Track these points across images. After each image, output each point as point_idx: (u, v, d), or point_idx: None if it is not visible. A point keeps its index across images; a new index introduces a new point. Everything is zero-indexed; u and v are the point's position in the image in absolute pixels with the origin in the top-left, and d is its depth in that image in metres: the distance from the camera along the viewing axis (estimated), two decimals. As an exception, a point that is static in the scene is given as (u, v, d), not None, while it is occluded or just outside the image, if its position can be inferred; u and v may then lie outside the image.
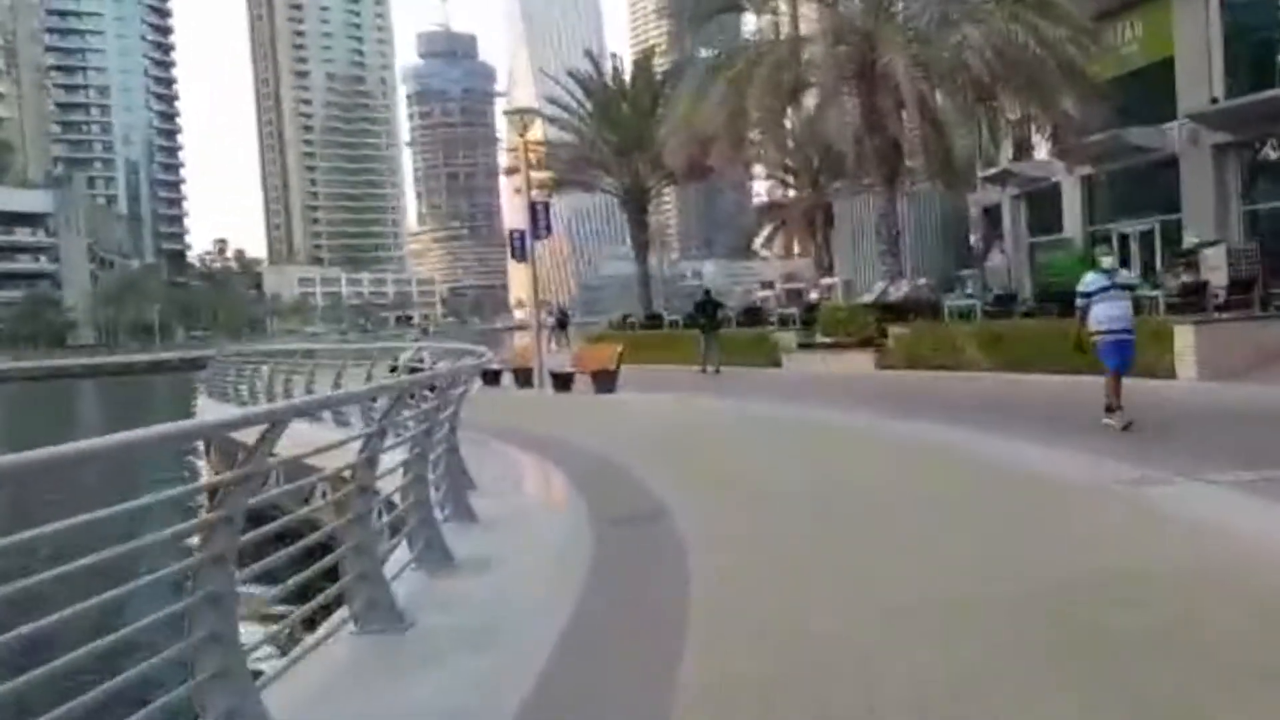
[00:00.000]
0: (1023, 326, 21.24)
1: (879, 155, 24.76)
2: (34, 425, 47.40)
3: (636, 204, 35.53)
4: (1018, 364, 19.44)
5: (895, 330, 22.89)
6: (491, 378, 25.06)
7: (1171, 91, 25.92)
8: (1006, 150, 34.16)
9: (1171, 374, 17.10)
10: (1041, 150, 33.70)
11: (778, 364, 25.49)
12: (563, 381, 22.03)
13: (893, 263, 25.37)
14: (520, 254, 23.30)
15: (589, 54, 37.67)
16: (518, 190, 25.42)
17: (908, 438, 12.08)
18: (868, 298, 25.43)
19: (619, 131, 34.97)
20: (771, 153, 28.68)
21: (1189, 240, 24.77)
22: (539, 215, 22.97)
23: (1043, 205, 33.53)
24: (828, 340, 24.56)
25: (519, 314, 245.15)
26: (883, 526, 7.46)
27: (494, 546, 7.61)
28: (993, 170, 35.08)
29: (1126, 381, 12.31)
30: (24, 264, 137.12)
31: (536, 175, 38.22)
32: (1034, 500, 8.20)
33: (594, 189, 38.73)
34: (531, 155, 39.42)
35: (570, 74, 37.34)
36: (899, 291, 24.54)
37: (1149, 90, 27.43)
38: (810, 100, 28.30)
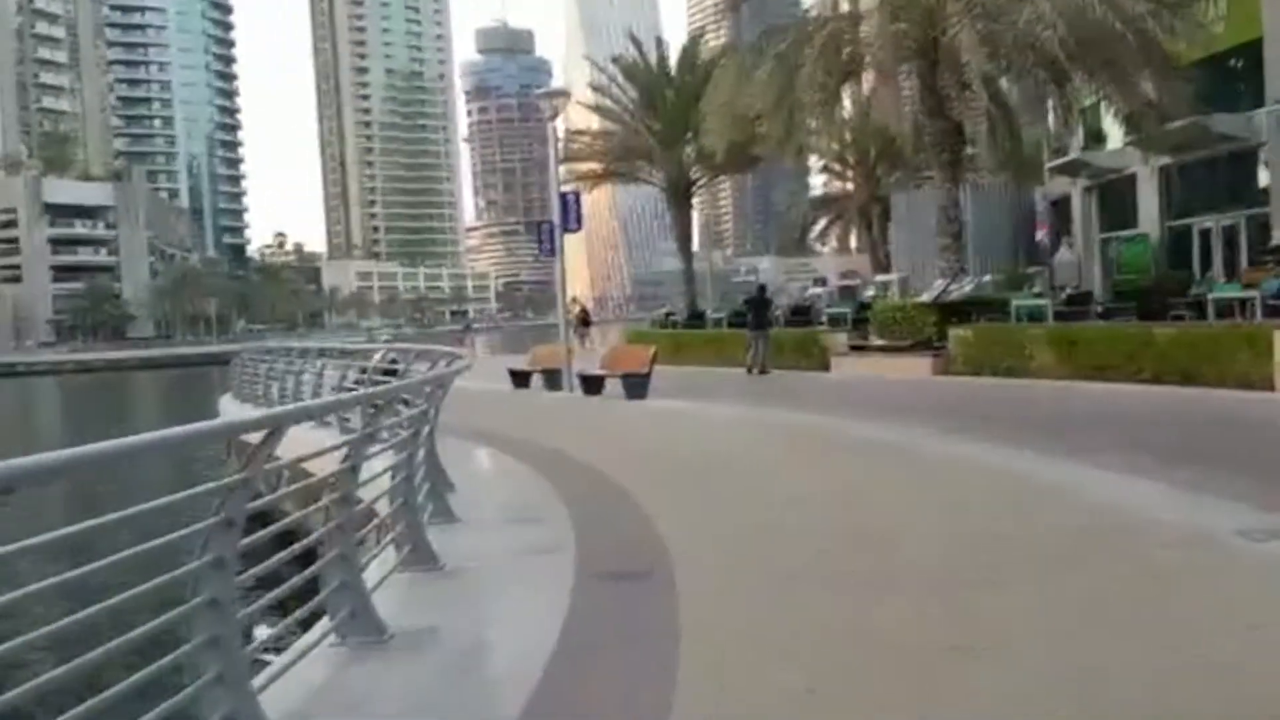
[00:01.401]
0: (1098, 329, 19.22)
1: (940, 141, 22.75)
2: (54, 421, 47.08)
3: (681, 196, 33.78)
4: (1093, 370, 17.48)
5: (956, 332, 20.95)
6: (521, 379, 23.62)
7: (1259, 76, 23.88)
8: (1077, 139, 32.02)
9: (1270, 385, 15.05)
10: (1115, 139, 31.59)
11: (826, 367, 23.64)
12: (592, 384, 20.39)
13: (954, 258, 23.35)
14: (549, 248, 21.70)
15: (633, 38, 35.95)
16: (564, 183, 23.84)
17: (975, 464, 10.15)
18: (926, 296, 23.44)
19: (663, 120, 33.24)
20: (823, 138, 26.69)
21: (1278, 236, 22.74)
22: (569, 207, 21.36)
23: (1116, 198, 31.39)
24: (882, 342, 22.66)
25: (576, 309, 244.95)
26: (961, 621, 5.35)
27: (442, 616, 6.03)
28: (1062, 160, 32.93)
29: (1222, 395, 10.44)
30: (85, 256, 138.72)
31: (579, 166, 36.87)
32: (1156, 565, 6.28)
33: (637, 180, 37.06)
34: (571, 143, 38.13)
35: (614, 60, 35.71)
36: (961, 289, 22.53)
37: (1234, 74, 25.34)
38: (866, 82, 26.38)
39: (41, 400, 64.70)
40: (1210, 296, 19.43)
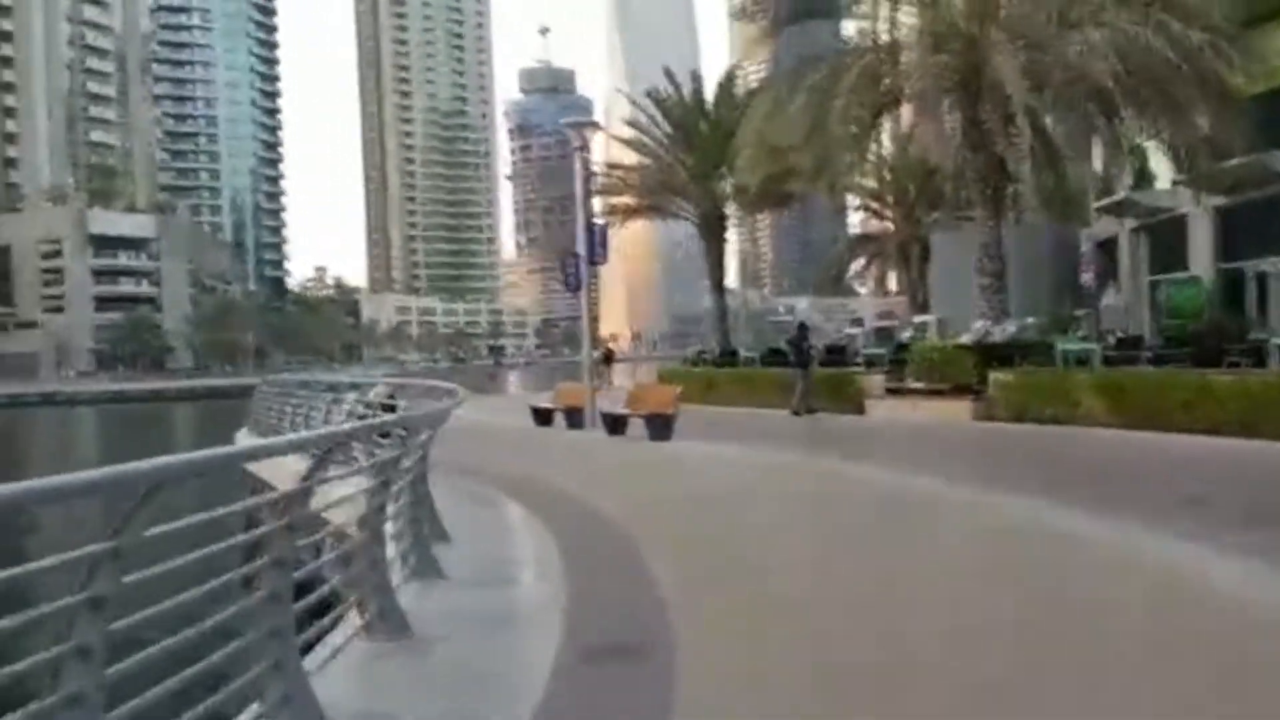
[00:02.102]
0: (1150, 376, 18.12)
1: (982, 177, 21.81)
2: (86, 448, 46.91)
3: (714, 231, 32.98)
4: (1145, 420, 16.38)
5: (998, 376, 19.90)
6: (544, 417, 22.85)
7: (1324, 110, 22.74)
8: (1125, 177, 30.95)
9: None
10: (1163, 177, 30.52)
11: (861, 410, 22.62)
12: (616, 424, 19.53)
13: (996, 299, 22.30)
14: (574, 282, 20.94)
15: (667, 72, 35.37)
16: (593, 218, 23.11)
17: (1026, 526, 9.14)
18: (967, 338, 22.40)
19: (697, 154, 32.52)
20: (857, 172, 25.78)
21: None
22: (595, 239, 20.62)
23: (1166, 239, 30.22)
24: (920, 385, 21.64)
25: (612, 346, 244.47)
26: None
27: (391, 704, 5.18)
28: (1109, 200, 31.85)
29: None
30: (127, 287, 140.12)
31: (612, 200, 36.24)
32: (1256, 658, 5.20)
33: (671, 215, 36.32)
34: (606, 177, 37.54)
35: (648, 94, 35.12)
36: (1003, 332, 21.47)
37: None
38: (905, 116, 25.52)
39: (75, 429, 64.73)
40: (1275, 343, 18.24)
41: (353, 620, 5.83)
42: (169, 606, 3.53)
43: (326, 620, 5.49)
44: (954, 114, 21.86)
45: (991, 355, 20.70)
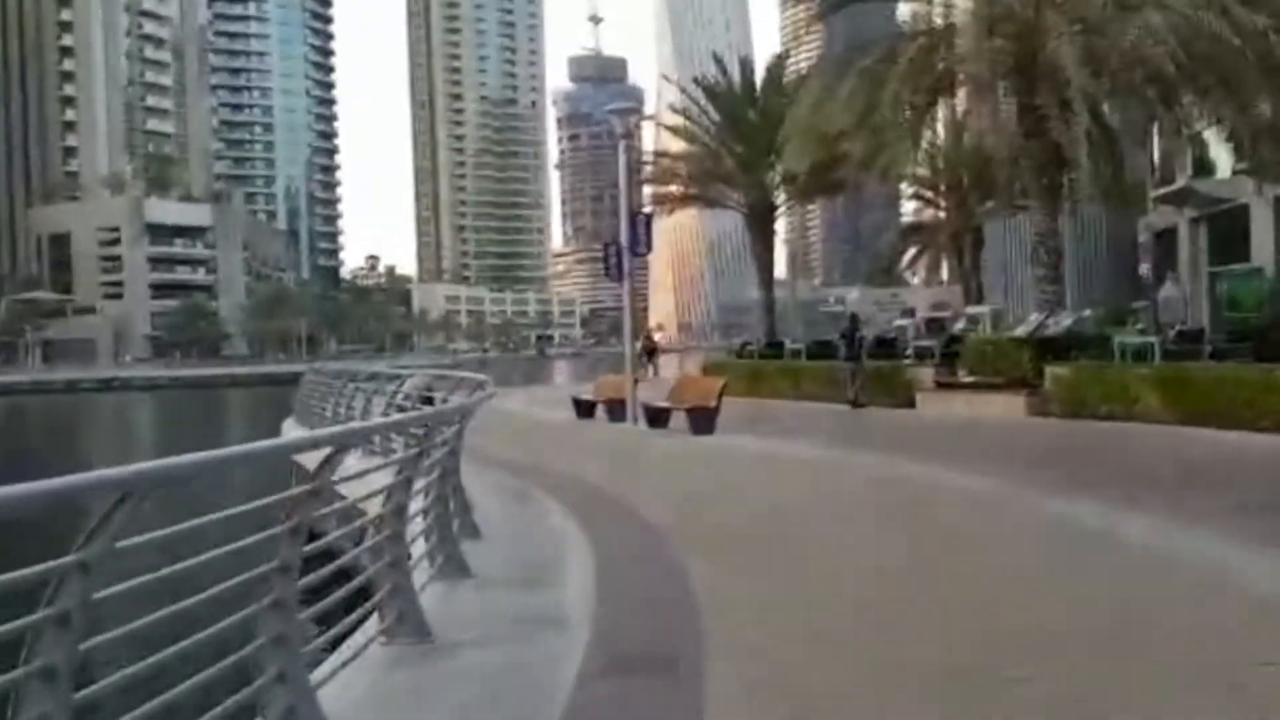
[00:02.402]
0: (1213, 371, 17.45)
1: (1038, 164, 21.17)
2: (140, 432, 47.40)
3: (762, 220, 32.45)
4: (1205, 416, 15.76)
5: (1054, 370, 19.29)
6: (586, 409, 22.61)
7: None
8: (1184, 166, 30.08)
9: None
10: (1223, 166, 29.63)
11: (911, 404, 22.11)
12: (657, 417, 19.23)
13: (1052, 290, 21.65)
14: (616, 272, 20.63)
15: (716, 59, 34.82)
16: (640, 207, 22.80)
17: (1098, 533, 8.60)
18: (1021, 331, 21.77)
19: (745, 141, 32.00)
20: (908, 159, 25.14)
21: None
22: (638, 229, 20.28)
23: (1227, 230, 29.39)
24: (972, 379, 21.09)
25: (659, 336, 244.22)
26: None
27: (405, 714, 4.94)
28: (1168, 189, 30.99)
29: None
30: (183, 275, 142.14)
31: (660, 189, 35.92)
32: None
33: (718, 205, 35.85)
34: (654, 165, 37.20)
35: (695, 80, 34.63)
36: (1059, 324, 20.83)
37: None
38: (959, 103, 24.89)
39: (131, 413, 65.62)
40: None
41: (373, 623, 5.60)
42: (163, 617, 3.30)
43: (348, 622, 5.33)
44: (1009, 100, 21.23)
45: (1047, 348, 20.08)
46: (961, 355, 22.11)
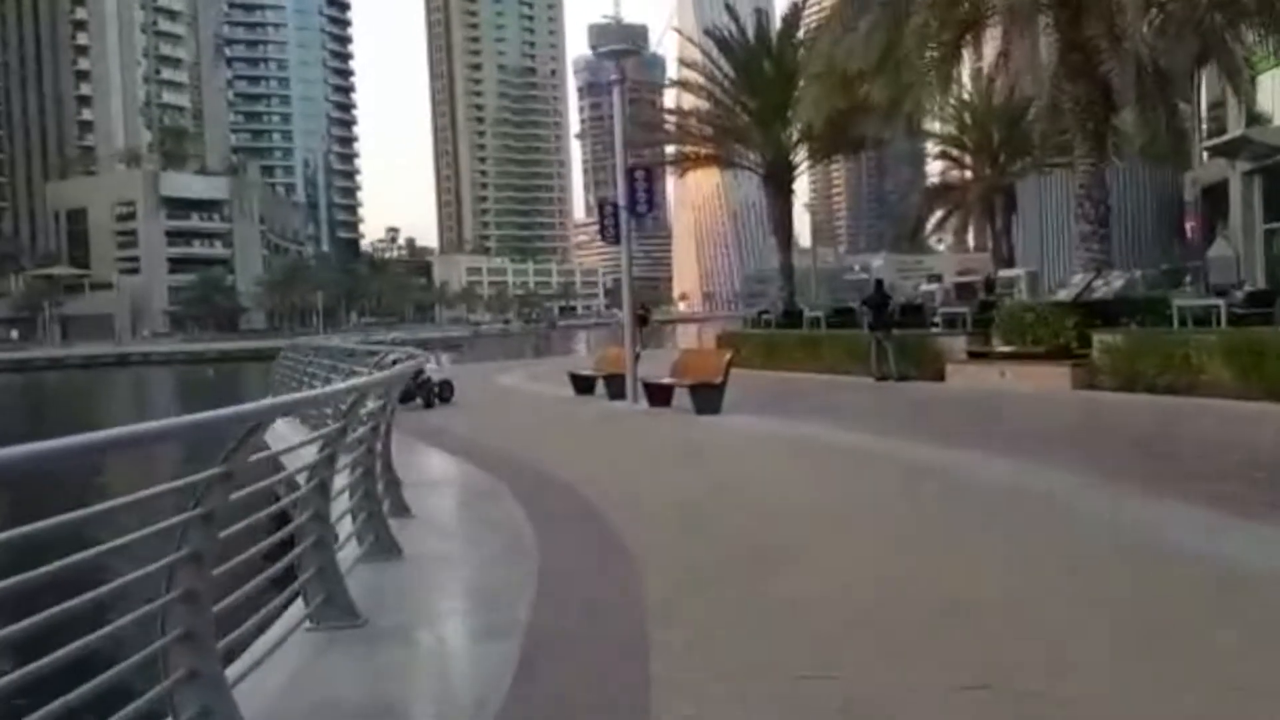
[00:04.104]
0: (1291, 338, 15.26)
1: (1083, 108, 18.88)
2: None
3: (780, 181, 30.23)
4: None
5: (1102, 338, 17.13)
6: (584, 385, 20.69)
7: None
8: (1238, 114, 27.68)
9: None
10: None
11: (940, 376, 20.00)
12: (659, 395, 17.25)
13: (1099, 250, 19.38)
14: (613, 234, 18.60)
15: (728, 7, 32.49)
16: (642, 164, 20.70)
17: (1184, 548, 6.68)
18: (1063, 294, 19.57)
19: (759, 95, 29.75)
20: (936, 105, 22.81)
21: None
22: (637, 187, 18.21)
23: (1285, 183, 27.04)
24: (1008, 348, 18.96)
25: (682, 305, 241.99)
26: None
27: None
28: (1220, 139, 28.59)
29: None
30: (199, 249, 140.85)
31: (669, 148, 33.72)
32: None
33: (733, 165, 33.60)
34: (663, 124, 34.98)
35: (708, 32, 32.34)
36: (1109, 287, 18.61)
37: None
38: (989, 47, 22.60)
39: (144, 388, 64.35)
40: None
41: (298, 607, 5.37)
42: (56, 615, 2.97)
43: (276, 605, 5.21)
44: (1050, 36, 18.92)
45: (1094, 314, 17.92)
46: (996, 323, 19.94)
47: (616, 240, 18.61)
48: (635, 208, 18.23)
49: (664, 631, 5.10)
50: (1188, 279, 22.12)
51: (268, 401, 6.86)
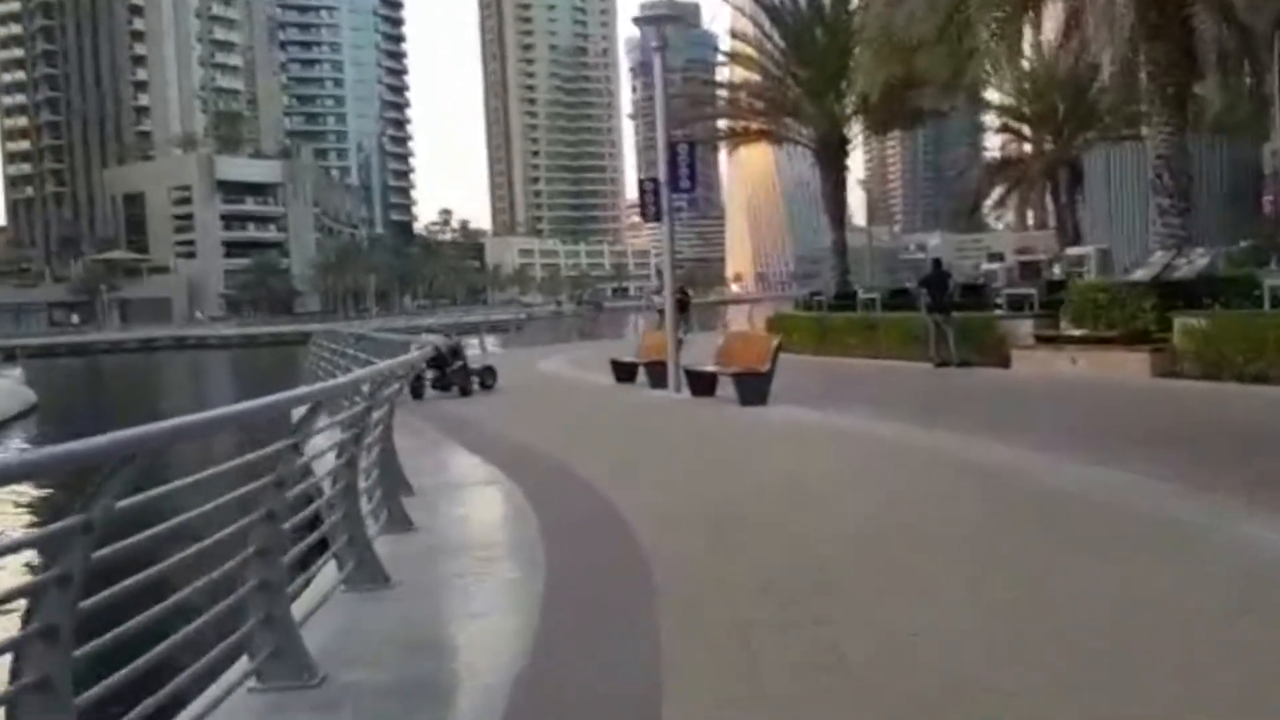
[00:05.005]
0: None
1: (1162, 70, 17.40)
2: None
3: (833, 155, 28.88)
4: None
5: (1185, 321, 15.74)
6: (626, 372, 19.65)
7: None
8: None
9: None
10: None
11: (1005, 362, 18.68)
12: (702, 383, 16.17)
13: (1179, 224, 17.93)
14: (653, 211, 17.49)
15: (779, -30, 31.11)
16: (684, 137, 19.54)
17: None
18: (1141, 274, 18.13)
19: (811, 66, 28.38)
20: (1005, 73, 21.31)
21: None
22: (680, 161, 17.08)
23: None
24: (1079, 332, 17.59)
25: (735, 287, 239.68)
26: None
27: None
28: (1307, 107, 26.75)
29: None
30: (254, 233, 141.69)
31: (718, 124, 32.52)
32: None
33: (782, 140, 32.26)
34: (710, 97, 33.75)
35: (757, 0, 30.97)
36: (1191, 265, 17.16)
37: None
38: (1046, 24, 21.13)
39: (196, 371, 64.52)
40: None
41: (331, 570, 5.78)
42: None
43: (310, 571, 5.56)
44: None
45: (1175, 294, 16.50)
46: (1066, 304, 18.56)
47: (658, 218, 17.49)
48: (678, 183, 17.10)
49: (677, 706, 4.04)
50: (1275, 256, 20.45)
51: (322, 385, 6.99)
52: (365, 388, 6.70)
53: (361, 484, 6.82)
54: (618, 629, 5.13)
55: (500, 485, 9.44)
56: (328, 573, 5.72)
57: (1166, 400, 13.93)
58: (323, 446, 6.16)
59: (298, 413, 4.64)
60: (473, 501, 9.13)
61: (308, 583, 5.46)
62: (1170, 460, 8.96)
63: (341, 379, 8.87)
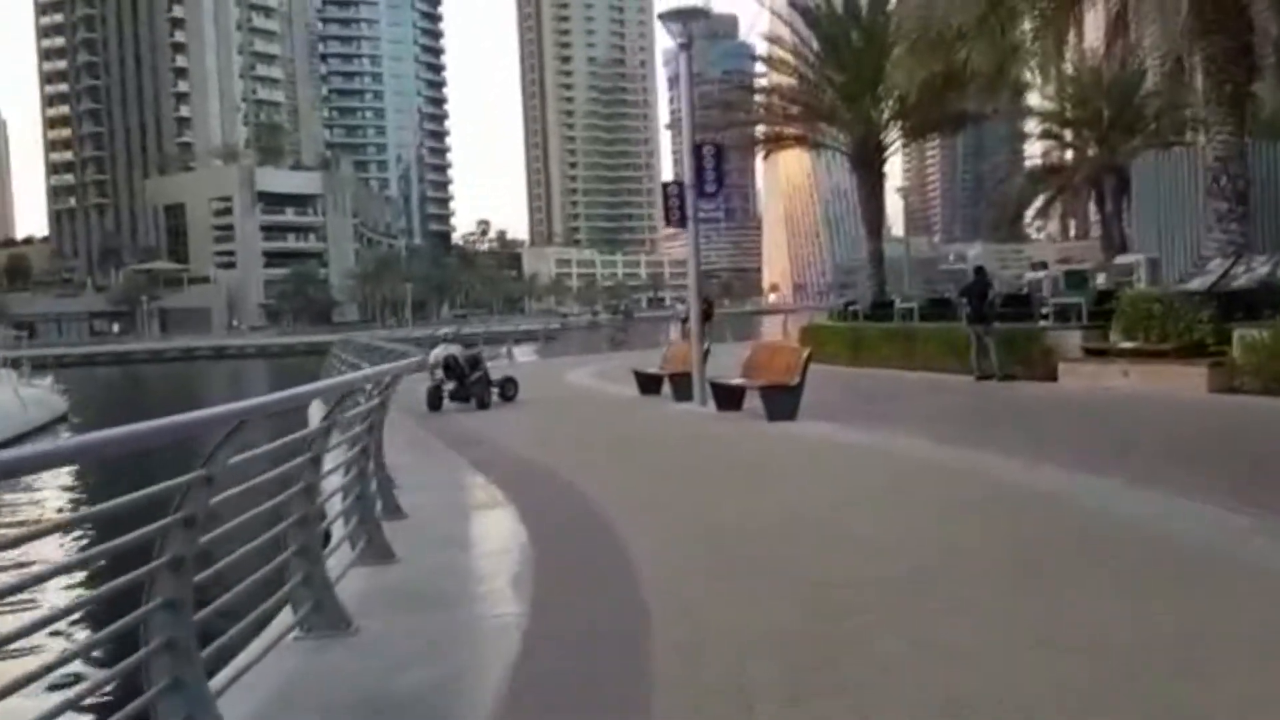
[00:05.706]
0: None
1: (1220, 68, 16.44)
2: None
3: (869, 162, 28.01)
4: None
5: (1245, 333, 14.76)
6: (651, 384, 18.88)
7: None
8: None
9: None
10: None
11: (1052, 375, 17.72)
12: (729, 397, 15.37)
13: (1238, 230, 16.93)
14: (678, 215, 16.74)
15: (815, -26, 30.38)
16: (710, 139, 18.77)
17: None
18: (1197, 284, 17.13)
19: (847, 70, 27.54)
20: (1051, 69, 20.34)
21: None
22: (705, 164, 16.32)
23: None
24: (1131, 344, 16.62)
25: (773, 297, 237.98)
26: None
27: None
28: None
29: None
30: (293, 243, 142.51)
31: (750, 131, 31.69)
32: None
33: (817, 145, 31.43)
34: (744, 102, 32.92)
35: (791, 3, 30.19)
36: (1251, 273, 16.15)
37: None
38: (1089, 29, 20.16)
39: (230, 379, 64.58)
40: None
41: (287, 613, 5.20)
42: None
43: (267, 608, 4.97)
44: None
45: (1234, 305, 15.52)
46: (1117, 315, 17.58)
47: (682, 223, 16.74)
48: (703, 187, 16.33)
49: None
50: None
51: (253, 401, 5.65)
52: (312, 407, 6.10)
53: (339, 505, 6.52)
54: (600, 704, 4.36)
55: (501, 510, 8.70)
56: (283, 617, 5.18)
57: (1225, 417, 12.95)
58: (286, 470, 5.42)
59: (215, 439, 3.87)
60: (468, 530, 8.41)
61: (261, 626, 4.92)
62: (1235, 487, 8.04)
63: (271, 396, 8.30)
